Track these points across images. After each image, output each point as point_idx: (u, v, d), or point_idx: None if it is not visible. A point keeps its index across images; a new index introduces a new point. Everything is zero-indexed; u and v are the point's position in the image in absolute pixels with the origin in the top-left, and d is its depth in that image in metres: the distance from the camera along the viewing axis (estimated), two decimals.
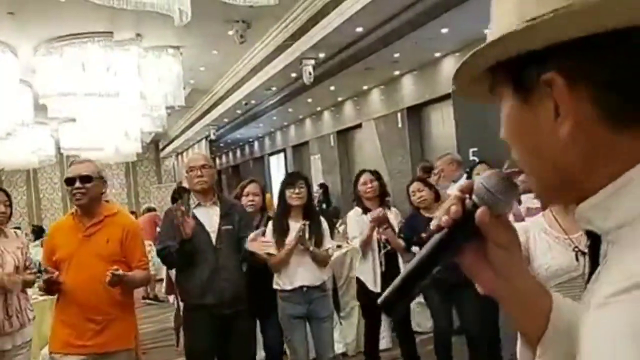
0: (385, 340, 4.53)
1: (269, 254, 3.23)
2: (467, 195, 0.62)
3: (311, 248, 3.21)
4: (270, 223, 3.36)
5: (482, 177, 0.61)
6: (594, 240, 0.53)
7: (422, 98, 8.71)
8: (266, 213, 3.76)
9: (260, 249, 2.98)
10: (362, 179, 3.75)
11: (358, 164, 11.34)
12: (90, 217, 2.69)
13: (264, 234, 3.17)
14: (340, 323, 4.81)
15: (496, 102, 0.57)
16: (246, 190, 3.57)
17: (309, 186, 3.39)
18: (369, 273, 3.67)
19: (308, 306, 3.25)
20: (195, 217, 2.96)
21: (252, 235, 3.00)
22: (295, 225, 3.25)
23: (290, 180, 3.35)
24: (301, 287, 3.22)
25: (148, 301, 7.75)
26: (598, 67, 0.47)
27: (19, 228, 8.08)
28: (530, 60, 0.50)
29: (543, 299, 0.65)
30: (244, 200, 3.53)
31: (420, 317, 4.92)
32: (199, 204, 3.02)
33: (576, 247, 1.68)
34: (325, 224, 3.47)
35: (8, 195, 3.11)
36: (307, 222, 3.21)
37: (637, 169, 0.47)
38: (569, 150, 0.49)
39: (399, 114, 9.36)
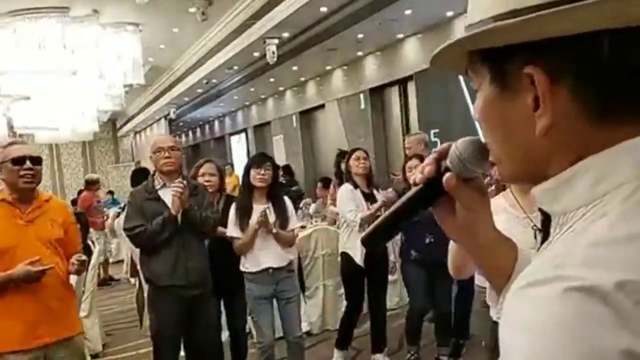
0: None
1: (233, 237, 3.25)
2: (443, 158, 0.67)
3: (274, 230, 3.22)
4: (233, 204, 3.36)
5: (458, 142, 0.65)
6: (547, 217, 0.57)
7: (384, 79, 8.80)
8: (224, 193, 3.74)
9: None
10: (356, 155, 3.81)
11: (321, 144, 11.40)
12: (29, 202, 2.48)
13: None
14: (305, 302, 4.90)
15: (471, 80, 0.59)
16: (201, 170, 3.53)
17: (275, 168, 3.40)
18: (357, 248, 3.70)
19: (275, 287, 3.28)
20: (160, 199, 2.95)
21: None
22: (258, 207, 3.25)
23: (256, 160, 3.33)
24: (267, 269, 3.24)
25: (104, 287, 7.62)
26: (579, 63, 0.48)
27: None
28: (512, 51, 0.50)
29: (507, 254, 0.72)
30: (200, 180, 3.48)
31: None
32: (164, 185, 3.00)
33: (534, 225, 1.75)
34: (290, 205, 3.49)
35: None
36: (268, 206, 3.22)
37: (591, 160, 0.49)
38: (544, 142, 0.50)
39: (361, 95, 9.43)
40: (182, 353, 3.17)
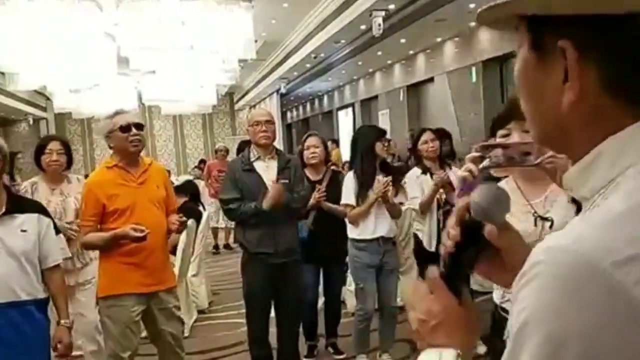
0: None
1: (348, 205, 3.35)
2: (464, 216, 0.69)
3: (392, 201, 3.31)
4: (349, 176, 3.44)
5: (475, 195, 0.66)
6: (579, 206, 0.58)
7: (499, 51, 8.29)
8: (330, 165, 3.85)
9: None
10: (423, 138, 3.74)
11: (428, 120, 11.11)
12: (136, 166, 2.71)
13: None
14: (399, 278, 4.90)
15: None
16: (306, 144, 3.69)
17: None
18: (426, 232, 3.72)
19: (381, 257, 3.37)
20: (254, 170, 3.10)
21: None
22: (378, 178, 3.35)
23: (380, 134, 3.43)
24: (379, 238, 3.34)
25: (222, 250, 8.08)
26: (609, 41, 0.50)
27: (87, 176, 8.65)
28: (551, 23, 0.53)
29: None
30: (306, 153, 3.64)
31: None
32: (258, 157, 3.14)
33: (535, 212, 1.68)
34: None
35: (64, 145, 3.27)
36: (391, 178, 3.30)
37: (609, 141, 0.51)
38: (570, 113, 0.53)
39: (473, 68, 9.00)
40: (272, 314, 3.35)
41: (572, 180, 0.56)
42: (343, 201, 3.41)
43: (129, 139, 2.66)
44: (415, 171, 3.76)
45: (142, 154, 2.82)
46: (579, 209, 0.58)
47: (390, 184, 3.26)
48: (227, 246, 8.09)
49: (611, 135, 0.51)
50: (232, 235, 8.07)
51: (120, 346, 2.65)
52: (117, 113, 2.76)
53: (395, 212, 3.39)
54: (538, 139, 0.60)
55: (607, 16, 0.50)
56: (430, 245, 3.70)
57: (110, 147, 2.77)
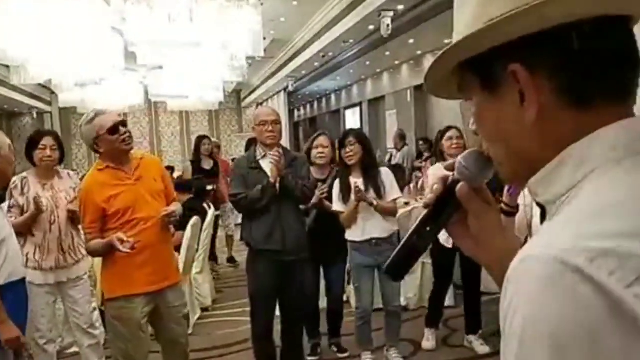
0: (448, 297, 4.55)
1: (337, 211, 3.40)
2: (451, 173, 0.71)
3: (375, 202, 3.32)
4: (335, 183, 3.51)
5: (461, 155, 0.70)
6: (544, 210, 0.59)
7: None
8: (335, 166, 3.85)
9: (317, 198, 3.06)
10: (448, 134, 3.73)
11: (435, 121, 11.07)
12: (127, 162, 2.63)
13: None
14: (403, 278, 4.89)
15: (465, 99, 0.64)
16: (315, 143, 3.71)
17: (361, 142, 3.43)
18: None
19: (377, 257, 3.37)
20: (260, 168, 3.09)
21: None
22: (353, 182, 3.38)
23: (341, 141, 3.46)
24: (371, 240, 3.36)
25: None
26: (553, 55, 0.53)
27: (84, 174, 8.52)
28: (494, 56, 0.56)
29: None
30: (314, 152, 3.66)
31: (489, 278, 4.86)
32: (264, 155, 3.14)
33: None
34: (390, 175, 3.52)
35: (57, 140, 3.21)
36: (356, 183, 3.33)
37: (571, 149, 0.53)
38: (534, 133, 0.55)
39: None
40: (277, 313, 3.34)
41: (537, 185, 0.57)
42: (333, 207, 3.48)
43: (119, 139, 2.57)
44: (436, 167, 3.72)
45: (146, 151, 2.80)
46: (543, 214, 0.58)
47: (358, 188, 3.30)
48: (231, 260, 6.99)
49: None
50: (236, 238, 6.86)
51: (133, 348, 2.61)
52: (96, 115, 2.61)
53: (384, 211, 3.39)
54: (513, 176, 0.62)
55: (548, 30, 0.52)
56: (447, 242, 3.69)
57: (98, 152, 2.64)
